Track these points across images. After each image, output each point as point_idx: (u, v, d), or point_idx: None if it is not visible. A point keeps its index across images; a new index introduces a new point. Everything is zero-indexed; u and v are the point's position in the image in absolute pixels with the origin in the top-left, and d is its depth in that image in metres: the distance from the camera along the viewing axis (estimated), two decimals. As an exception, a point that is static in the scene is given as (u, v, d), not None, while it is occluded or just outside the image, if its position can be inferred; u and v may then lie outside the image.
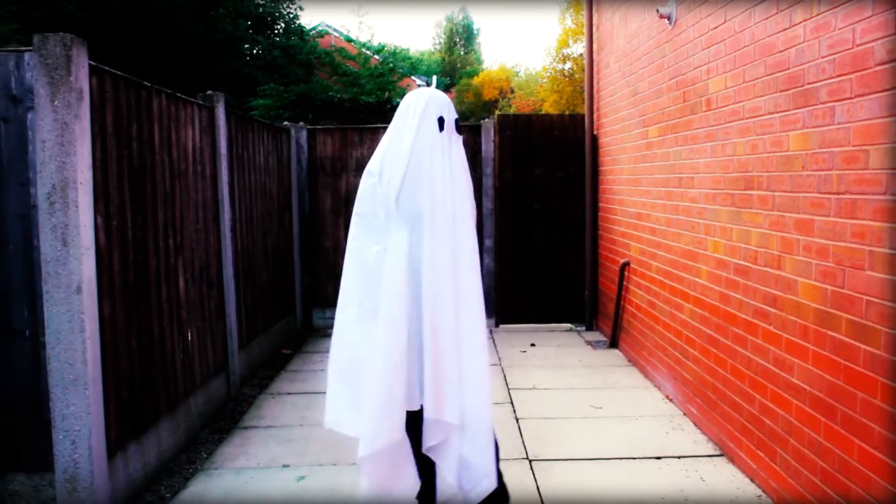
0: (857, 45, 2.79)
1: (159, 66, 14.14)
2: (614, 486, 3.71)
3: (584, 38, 7.63)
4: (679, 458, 4.10)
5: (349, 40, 20.90)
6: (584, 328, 7.48)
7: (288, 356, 6.58)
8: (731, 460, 4.02)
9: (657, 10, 5.03)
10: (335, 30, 23.58)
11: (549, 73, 28.26)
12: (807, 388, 3.20)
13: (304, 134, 7.51)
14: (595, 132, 7.25)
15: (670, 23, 4.96)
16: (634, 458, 4.09)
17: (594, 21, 7.34)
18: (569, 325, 7.63)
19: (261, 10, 19.68)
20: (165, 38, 14.84)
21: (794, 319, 3.30)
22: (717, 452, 4.16)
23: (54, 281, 3.11)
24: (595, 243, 7.32)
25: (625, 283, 6.32)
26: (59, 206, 3.08)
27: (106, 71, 3.42)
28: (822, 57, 3.04)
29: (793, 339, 3.32)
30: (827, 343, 3.03)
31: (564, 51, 27.13)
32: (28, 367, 3.23)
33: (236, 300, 5.45)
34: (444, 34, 59.63)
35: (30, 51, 3.10)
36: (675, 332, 4.98)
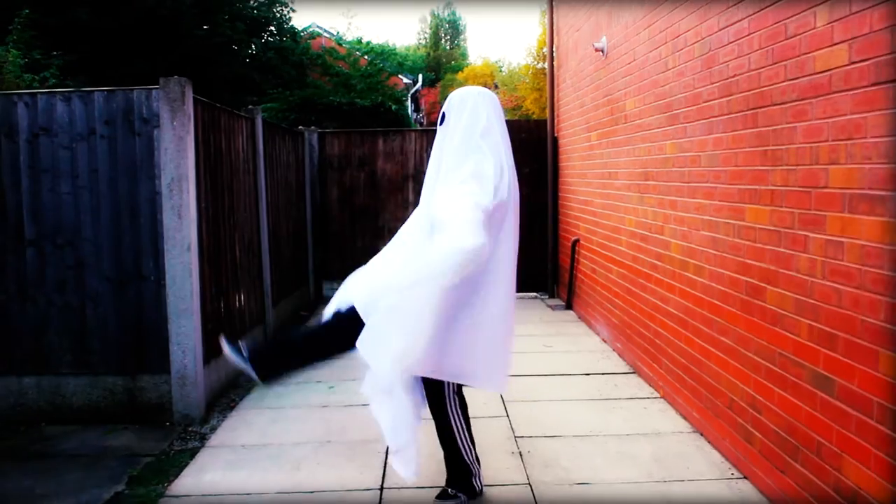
0: (695, 89, 4.38)
1: (165, 68, 15.46)
2: (555, 391, 5.29)
3: (547, 57, 9.19)
4: (602, 374, 5.70)
5: (340, 42, 22.22)
6: (547, 296, 9.07)
7: (305, 317, 8.14)
8: (638, 374, 5.62)
9: (593, 45, 6.61)
10: (325, 31, 24.94)
11: (530, 72, 29.73)
12: (676, 312, 4.80)
13: (315, 136, 9.04)
14: (555, 135, 8.83)
15: (603, 55, 6.53)
16: (571, 375, 5.68)
17: (555, 42, 8.91)
18: (535, 293, 9.21)
19: (255, 13, 20.92)
20: (170, 42, 16.11)
21: (669, 268, 4.90)
22: (630, 371, 5.77)
23: (172, 242, 4.65)
24: (555, 225, 8.91)
25: (576, 256, 7.92)
26: (176, 192, 4.61)
27: (198, 99, 4.93)
28: (680, 93, 4.63)
29: (669, 281, 4.92)
30: (685, 281, 4.63)
31: (544, 50, 28.58)
32: (153, 301, 4.76)
33: (270, 267, 6.98)
34: (430, 29, 60.47)
35: (156, 88, 4.62)
36: (607, 288, 6.58)
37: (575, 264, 7.99)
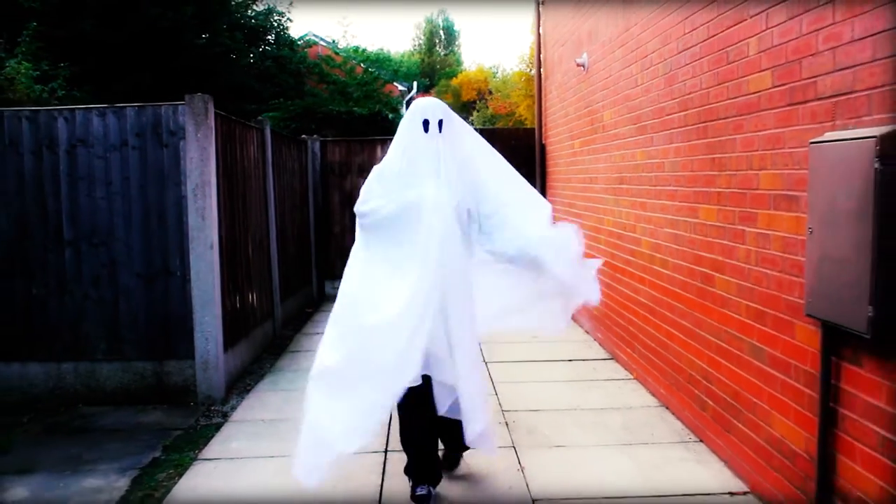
0: (660, 103, 4.97)
1: (167, 78, 15.91)
2: (540, 375, 5.86)
3: (535, 69, 9.79)
4: (583, 360, 6.28)
5: (336, 51, 22.77)
6: (536, 293, 9.64)
7: (309, 313, 8.70)
8: (616, 360, 6.20)
9: (575, 61, 7.21)
10: (322, 39, 25.52)
11: (522, 79, 30.33)
12: (646, 302, 5.38)
13: (317, 144, 9.62)
14: (543, 142, 9.42)
15: (584, 69, 7.12)
16: (555, 361, 6.25)
17: (542, 55, 9.51)
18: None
19: (253, 23, 21.43)
20: (172, 52, 16.62)
21: (640, 262, 5.49)
22: (609, 357, 6.35)
23: (196, 242, 5.21)
24: (544, 227, 9.48)
25: (562, 255, 8.49)
26: (200, 197, 5.18)
27: (217, 113, 5.49)
28: (648, 107, 5.22)
29: (640, 274, 5.50)
30: (653, 274, 5.21)
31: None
32: (179, 295, 5.32)
33: (278, 266, 7.55)
34: (424, 35, 60.94)
35: (182, 104, 5.19)
36: (589, 284, 7.15)
37: (561, 263, 8.56)
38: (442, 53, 59.53)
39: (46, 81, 11.27)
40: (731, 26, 3.82)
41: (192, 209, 5.20)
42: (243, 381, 5.87)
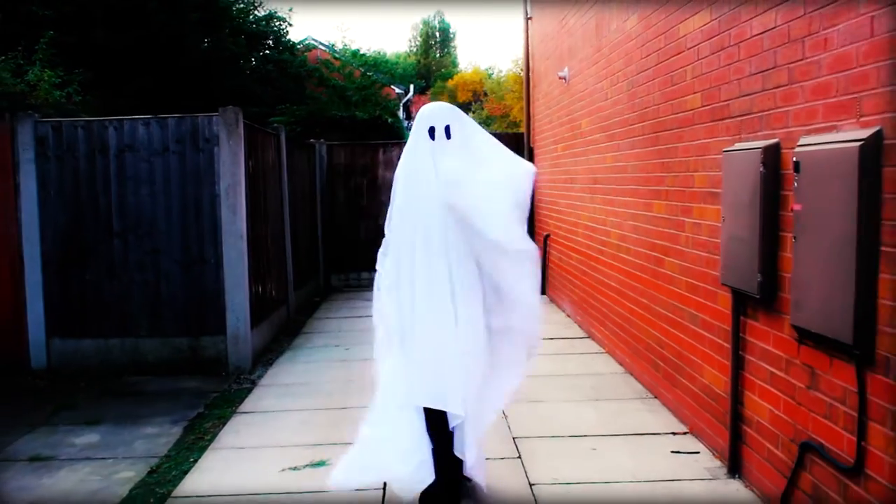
0: (624, 115, 5.84)
1: (172, 82, 16.59)
2: (523, 348, 6.73)
3: (524, 79, 10.66)
4: (563, 339, 7.15)
5: (335, 56, 23.54)
6: (525, 284, 10.51)
7: (318, 302, 9.56)
8: (592, 338, 7.07)
9: (558, 74, 8.08)
10: (321, 43, 26.35)
11: (516, 82, 31.16)
12: (615, 285, 6.25)
13: (324, 148, 10.48)
14: (531, 145, 10.30)
15: (565, 82, 8.00)
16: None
17: (531, 66, 10.38)
18: (515, 282, 10.64)
19: (254, 28, 22.14)
20: (177, 57, 17.35)
21: (610, 251, 6.36)
22: (586, 336, 7.22)
23: (228, 233, 6.07)
24: (532, 224, 10.36)
25: (548, 249, 9.37)
26: (231, 194, 6.04)
27: (245, 122, 6.34)
28: (615, 117, 6.09)
29: (610, 262, 6.37)
30: (620, 260, 6.08)
31: (530, 62, 29.94)
32: (213, 279, 6.17)
33: (291, 258, 8.40)
34: (420, 37, 61.55)
35: (216, 115, 6.04)
36: (570, 273, 8.04)
37: (547, 256, 9.44)
38: (438, 55, 60.15)
39: (62, 87, 12.06)
40: (674, 55, 4.69)
41: (225, 205, 6.05)
42: (266, 356, 6.73)
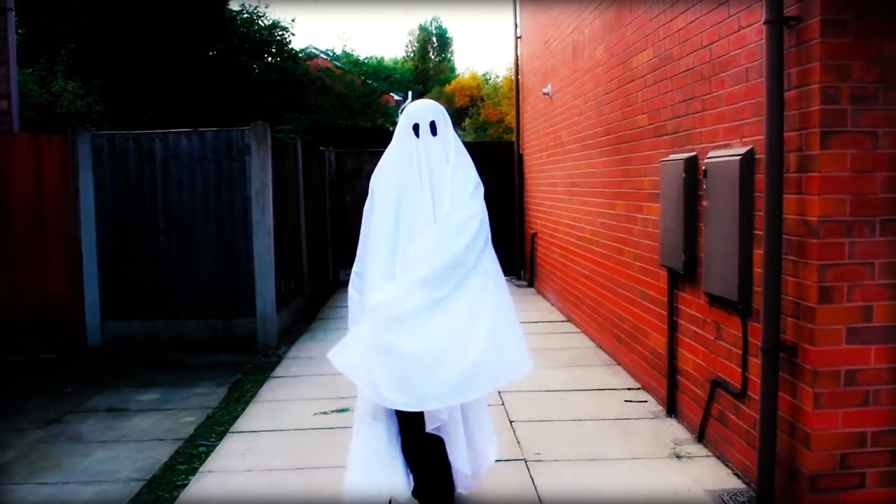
0: (594, 129, 6.89)
1: (182, 90, 17.41)
2: (510, 329, 7.79)
3: (514, 92, 11.73)
4: (546, 322, 8.21)
5: (337, 65, 24.53)
6: (515, 278, 11.57)
7: (328, 294, 10.61)
8: (570, 322, 8.13)
9: (542, 91, 9.15)
10: (322, 52, 27.37)
11: (511, 89, 32.06)
12: (588, 274, 7.30)
13: (333, 155, 11.55)
14: (521, 152, 11.36)
15: (549, 97, 9.06)
16: (524, 323, 8.14)
17: (520, 80, 11.45)
18: (507, 277, 11.66)
19: (257, 37, 23.01)
20: (187, 66, 18.18)
21: (584, 245, 7.41)
22: (565, 320, 8.28)
23: (258, 229, 7.12)
24: (522, 222, 11.43)
25: (535, 246, 10.43)
26: (261, 196, 7.09)
27: (272, 135, 7.38)
28: (587, 130, 7.15)
29: (585, 254, 7.43)
30: (592, 252, 7.13)
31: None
32: (244, 270, 7.22)
33: (307, 253, 9.45)
34: (418, 42, 62.31)
35: (247, 129, 7.09)
36: (553, 266, 9.09)
37: (534, 252, 10.50)
38: (435, 60, 60.91)
39: (83, 97, 12.97)
40: (629, 82, 5.76)
41: (256, 206, 7.10)
42: (288, 336, 7.77)
